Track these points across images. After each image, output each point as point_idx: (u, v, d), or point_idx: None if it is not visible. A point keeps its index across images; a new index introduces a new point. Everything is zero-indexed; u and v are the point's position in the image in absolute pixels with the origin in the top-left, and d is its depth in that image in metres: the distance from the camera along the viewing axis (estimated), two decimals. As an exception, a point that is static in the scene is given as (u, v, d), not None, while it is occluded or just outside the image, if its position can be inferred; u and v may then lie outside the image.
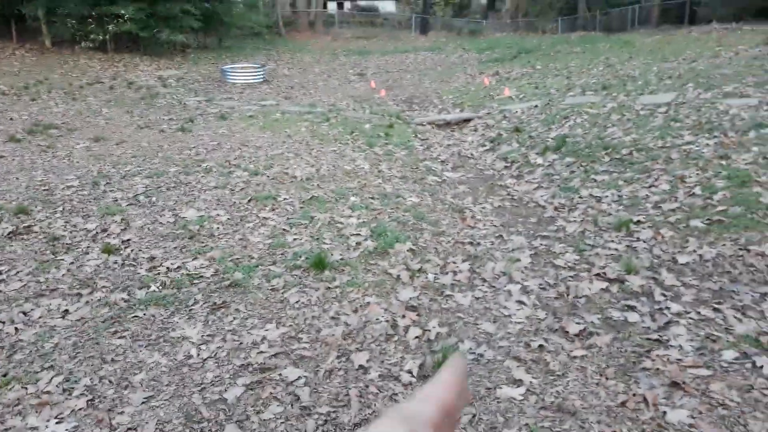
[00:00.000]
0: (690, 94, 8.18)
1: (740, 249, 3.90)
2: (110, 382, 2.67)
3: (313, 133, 7.64)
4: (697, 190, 4.90)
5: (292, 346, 2.94)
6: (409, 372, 2.75)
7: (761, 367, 2.75)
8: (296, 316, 3.19)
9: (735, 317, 3.17)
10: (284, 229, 4.34)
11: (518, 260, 3.91)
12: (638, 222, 4.48)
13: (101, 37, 15.85)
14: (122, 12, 15.30)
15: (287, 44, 22.74)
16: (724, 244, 3.97)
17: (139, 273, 3.76)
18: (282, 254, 3.94)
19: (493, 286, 3.59)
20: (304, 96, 11.89)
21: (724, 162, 5.39)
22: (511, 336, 3.07)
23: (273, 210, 4.72)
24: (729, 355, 2.86)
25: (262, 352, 2.88)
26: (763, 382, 2.66)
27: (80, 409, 2.49)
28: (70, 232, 4.37)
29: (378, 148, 6.94)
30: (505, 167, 6.44)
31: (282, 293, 3.43)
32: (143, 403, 2.53)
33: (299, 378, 2.70)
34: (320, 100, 11.30)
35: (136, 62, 15.91)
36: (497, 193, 5.58)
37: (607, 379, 2.71)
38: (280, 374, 2.72)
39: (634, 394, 2.60)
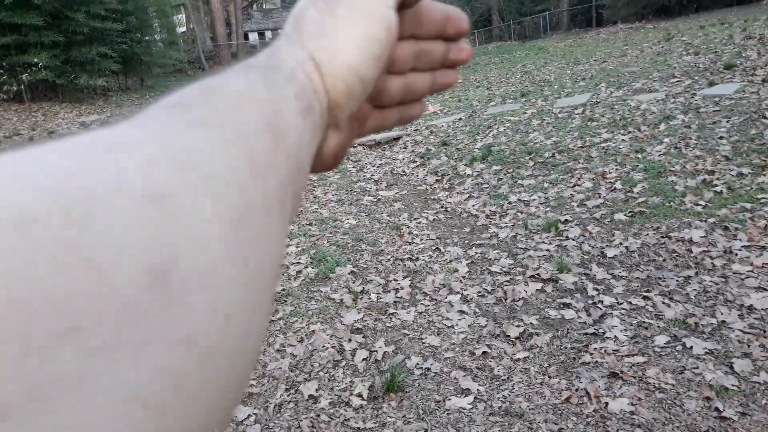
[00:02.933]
0: (603, 93, 8.60)
1: (662, 237, 4.12)
2: None
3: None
4: (618, 185, 5.15)
5: (239, 384, 2.90)
6: (359, 395, 2.77)
7: (691, 347, 2.91)
8: (241, 354, 3.15)
9: (663, 303, 3.35)
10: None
11: (456, 270, 3.99)
12: (566, 221, 4.66)
13: (15, 88, 15.27)
14: (35, 60, 14.80)
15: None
16: (647, 234, 4.19)
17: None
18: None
19: (435, 299, 3.65)
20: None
21: (640, 155, 5.69)
22: (456, 346, 3.13)
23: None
24: (661, 340, 3.01)
25: (208, 394, 2.82)
26: (693, 362, 2.81)
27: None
28: None
29: (311, 174, 6.95)
30: (437, 181, 6.57)
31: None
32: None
33: (249, 416, 2.66)
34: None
35: (56, 110, 15.40)
36: (431, 206, 5.69)
37: (550, 377, 2.80)
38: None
39: (576, 389, 2.69)
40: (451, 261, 4.21)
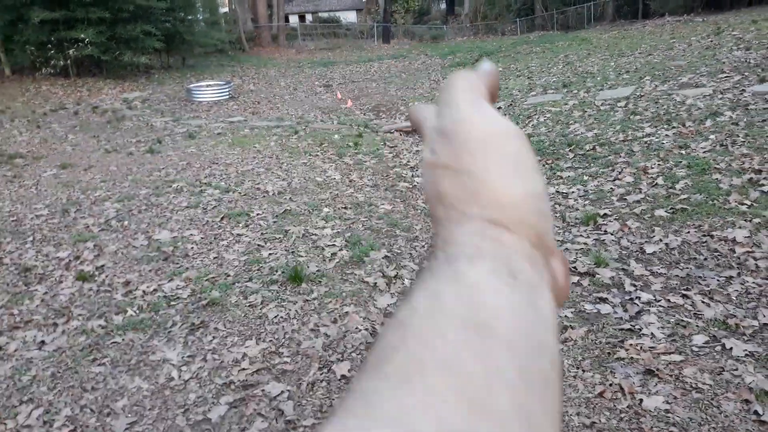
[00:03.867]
0: (647, 86, 8.40)
1: (704, 235, 4.03)
2: (92, 410, 2.65)
3: (282, 146, 7.65)
4: (660, 181, 5.04)
5: (273, 361, 2.95)
6: (391, 378, 2.79)
7: (730, 349, 2.85)
8: (276, 331, 3.21)
9: (703, 302, 3.28)
10: (259, 245, 4.35)
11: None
12: (605, 215, 4.59)
13: (62, 63, 15.61)
14: (82, 36, 15.11)
15: (251, 60, 22.68)
16: (688, 232, 4.10)
17: (115, 298, 3.74)
18: (258, 270, 3.95)
19: (469, 288, 3.64)
20: (272, 110, 11.88)
21: (683, 151, 5.56)
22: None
23: (246, 226, 4.73)
24: (699, 339, 2.95)
25: (243, 369, 2.89)
26: (732, 363, 2.76)
27: (63, 440, 2.48)
28: (42, 262, 4.32)
29: (348, 158, 6.98)
30: (474, 169, 6.52)
31: (260, 309, 3.44)
32: (126, 429, 2.52)
33: (282, 392, 2.71)
34: (288, 113, 11.31)
35: (100, 86, 15.72)
36: (468, 195, 5.66)
37: (583, 371, 2.79)
38: (262, 390, 2.73)
39: (610, 384, 2.67)
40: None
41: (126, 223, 5.05)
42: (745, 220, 4.09)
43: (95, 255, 4.41)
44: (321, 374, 2.84)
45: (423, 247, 4.29)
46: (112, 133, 9.66)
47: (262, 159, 6.97)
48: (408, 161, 7.07)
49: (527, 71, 12.81)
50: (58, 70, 15.73)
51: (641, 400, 2.54)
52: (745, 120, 5.94)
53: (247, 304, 3.51)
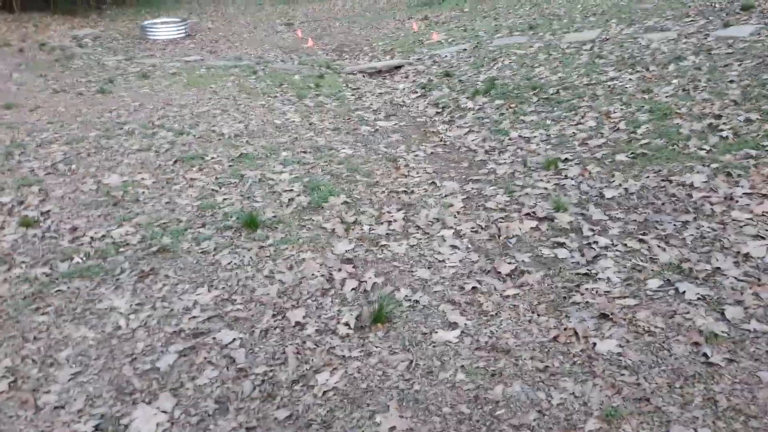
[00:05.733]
0: (613, 30, 8.30)
1: (663, 180, 4.04)
2: (33, 361, 2.55)
3: (240, 87, 7.37)
4: (622, 125, 5.02)
5: (225, 308, 2.88)
6: (346, 324, 2.75)
7: (683, 292, 2.88)
8: (229, 278, 3.12)
9: (659, 246, 3.30)
10: (213, 190, 4.21)
11: (451, 205, 3.92)
12: (566, 160, 4.56)
13: (4, -5, 14.65)
14: (24, -34, 14.15)
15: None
16: (648, 177, 4.10)
17: (61, 245, 3.58)
18: (212, 215, 3.82)
19: (427, 233, 3.60)
20: (230, 49, 11.43)
21: (646, 96, 5.53)
22: (446, 280, 3.10)
23: (200, 170, 4.56)
24: (654, 283, 2.97)
25: (194, 317, 2.80)
26: (684, 307, 2.78)
27: (1, 392, 2.38)
28: (-18, 208, 4.10)
29: (308, 100, 6.77)
30: (437, 113, 6.41)
31: (213, 256, 3.34)
32: (70, 379, 2.44)
33: (234, 340, 2.65)
34: (247, 52, 10.90)
35: (48, 22, 14.86)
36: (430, 139, 5.56)
37: (538, 315, 2.78)
38: (214, 338, 2.66)
39: (565, 329, 2.68)
40: (446, 195, 4.13)
41: (74, 166, 4.83)
42: (703, 165, 4.11)
43: (40, 200, 4.20)
44: (275, 321, 2.78)
45: (383, 192, 4.20)
46: (60, 73, 9.17)
47: (218, 100, 6.71)
48: (371, 104, 6.90)
49: (494, 12, 12.54)
50: (1, 3, 14.78)
51: (594, 344, 2.56)
52: (707, 65, 5.93)
53: (200, 251, 3.40)
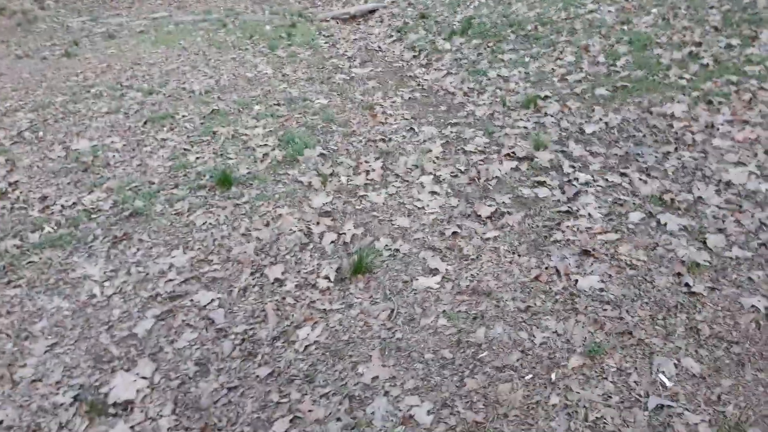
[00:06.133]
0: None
1: (643, 112, 3.97)
2: (7, 335, 2.49)
3: (209, 41, 7.13)
4: (601, 58, 4.90)
5: (202, 269, 2.82)
6: (326, 278, 2.70)
7: (665, 224, 2.85)
8: (204, 239, 3.05)
9: (640, 179, 3.25)
10: (185, 149, 4.09)
11: (430, 151, 3.84)
12: (545, 97, 4.46)
13: (-43, -41, 13.94)
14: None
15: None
16: (628, 109, 4.02)
17: (30, 215, 3.48)
18: (184, 175, 3.72)
19: (406, 180, 3.52)
20: (198, 2, 11.03)
21: (625, 27, 5.39)
22: (426, 227, 3.05)
23: (171, 130, 4.42)
24: (635, 216, 2.94)
25: (170, 280, 2.75)
26: (666, 238, 2.76)
27: (-23, 368, 2.33)
28: (-53, 182, 3.98)
29: (281, 51, 6.56)
30: (414, 57, 6.23)
31: (187, 216, 3.26)
32: (47, 351, 2.39)
33: (212, 301, 2.60)
34: (216, 5, 10.52)
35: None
36: (407, 84, 5.42)
37: (519, 256, 2.75)
38: (191, 300, 2.61)
39: (546, 268, 2.65)
40: (425, 141, 4.04)
41: (41, 134, 4.67)
42: (684, 94, 4.03)
43: (7, 171, 4.07)
44: (253, 279, 2.73)
45: (360, 142, 4.10)
46: (23, 37, 8.83)
47: (187, 56, 6.49)
48: (345, 51, 6.70)
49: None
50: (-44, -32, 14.08)
51: (576, 281, 2.53)
52: (687, -10, 5.76)
53: (174, 212, 3.32)
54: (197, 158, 3.93)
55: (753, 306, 2.31)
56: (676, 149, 3.50)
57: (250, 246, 2.96)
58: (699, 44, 4.72)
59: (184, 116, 4.65)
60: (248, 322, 2.47)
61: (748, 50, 4.42)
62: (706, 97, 3.95)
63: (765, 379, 2.02)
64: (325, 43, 7.07)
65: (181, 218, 3.25)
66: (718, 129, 3.61)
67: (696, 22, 5.10)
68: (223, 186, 3.50)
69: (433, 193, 3.36)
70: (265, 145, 4.06)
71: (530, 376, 2.12)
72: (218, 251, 2.95)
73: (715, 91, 4.00)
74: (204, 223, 3.18)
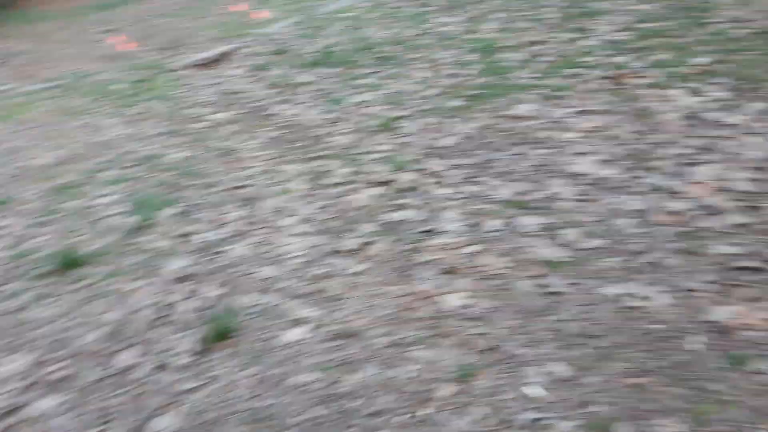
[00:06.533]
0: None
1: (497, 117, 4.04)
2: None
3: (58, 110, 6.69)
4: (454, 70, 4.99)
5: (46, 369, 2.53)
6: (187, 352, 2.50)
7: (524, 226, 2.86)
8: (48, 334, 2.75)
9: (498, 185, 3.28)
10: (27, 234, 3.73)
11: (293, 191, 3.71)
12: (404, 116, 4.47)
13: None
14: None
15: (23, 16, 19.74)
16: (483, 116, 4.09)
17: None
18: (27, 264, 3.38)
19: (270, 226, 3.37)
20: (47, 69, 10.42)
21: (473, 36, 5.54)
22: (293, 273, 2.91)
23: (12, 215, 4.04)
24: (495, 224, 2.94)
25: (10, 390, 2.44)
26: (527, 241, 2.77)
27: None
28: None
29: (135, 108, 6.25)
30: (275, 93, 6.12)
31: (30, 311, 2.94)
32: None
33: (60, 404, 2.32)
34: (66, 69, 9.97)
35: None
36: (268, 123, 5.29)
37: (387, 286, 2.67)
38: (35, 408, 2.32)
39: (414, 293, 2.58)
40: (288, 181, 3.91)
41: None
42: (532, 94, 4.15)
43: None
44: (104, 370, 2.47)
45: (220, 192, 3.91)
46: None
47: (31, 130, 6.04)
48: (204, 98, 6.48)
49: (323, -21, 12.25)
50: None
51: (443, 302, 2.47)
52: (523, -7, 6.03)
53: (15, 309, 2.98)
54: (42, 241, 3.59)
55: (614, 294, 2.33)
56: (530, 149, 3.57)
57: (101, 332, 2.70)
58: (543, 42, 4.92)
59: (25, 197, 4.27)
60: (100, 422, 2.22)
61: (583, 42, 4.65)
62: (553, 93, 4.08)
63: (631, 368, 2.03)
64: (183, 92, 6.81)
65: (23, 314, 2.93)
66: (566, 122, 3.72)
67: (537, 22, 5.32)
68: (69, 269, 3.20)
69: (298, 234, 3.23)
70: (118, 213, 3.79)
71: (408, 415, 2.02)
72: (65, 345, 2.66)
73: (560, 85, 4.15)
74: (49, 315, 2.87)
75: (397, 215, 3.19)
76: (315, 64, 6.41)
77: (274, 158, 4.38)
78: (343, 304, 2.61)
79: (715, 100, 3.40)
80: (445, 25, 6.10)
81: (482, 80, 4.59)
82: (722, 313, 2.08)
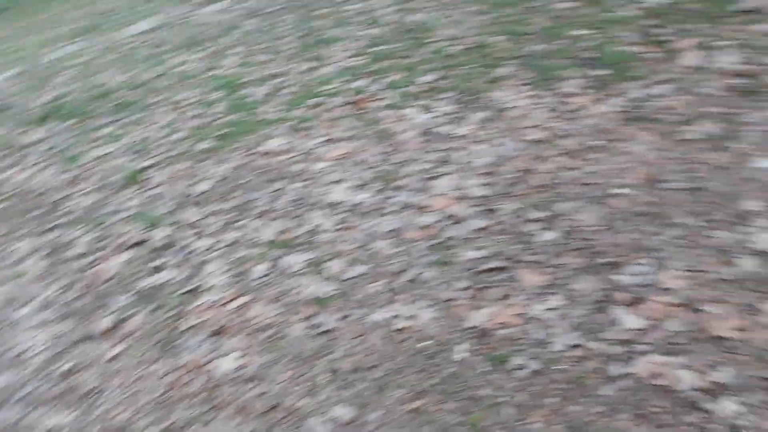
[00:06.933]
0: (169, 13, 8.00)
1: (249, 155, 3.94)
2: None
3: None
4: (198, 110, 4.79)
5: None
6: None
7: (289, 266, 2.80)
8: None
9: (258, 226, 3.17)
10: None
11: (28, 272, 3.22)
12: (151, 166, 4.16)
13: None
14: None
15: None
16: (235, 156, 3.95)
17: None
18: None
19: (2, 322, 2.87)
20: None
21: (215, 72, 5.39)
22: (36, 375, 2.49)
23: None
24: (261, 269, 2.83)
25: None
26: (294, 281, 2.70)
27: None
28: None
29: None
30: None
31: None
32: None
33: None
34: None
35: None
36: (-9, 196, 4.57)
37: (151, 365, 2.41)
38: None
39: (182, 366, 2.36)
40: (21, 260, 3.39)
41: None
42: (280, 127, 4.12)
43: None
44: None
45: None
46: None
47: None
48: None
49: (49, 21, 11.13)
50: None
51: (216, 369, 2.30)
52: (261, 26, 6.05)
53: None
54: None
55: (382, 320, 2.36)
56: (286, 184, 3.52)
57: None
58: (284, 74, 4.94)
59: None
60: None
61: (321, 71, 4.76)
62: (299, 125, 4.10)
63: (408, 393, 2.05)
64: None
65: None
66: (315, 152, 3.75)
67: (276, 54, 5.34)
68: None
69: (38, 326, 2.79)
70: None
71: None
72: None
73: (305, 116, 4.18)
74: None
75: (154, 279, 2.91)
76: (44, 118, 5.73)
77: (2, 235, 3.78)
78: (101, 398, 2.29)
79: (444, 115, 3.69)
80: (184, 63, 5.85)
81: (229, 118, 4.46)
82: (479, 317, 2.22)
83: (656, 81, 3.19)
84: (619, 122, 3.01)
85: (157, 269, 2.99)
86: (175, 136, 4.50)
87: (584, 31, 3.94)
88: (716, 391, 1.72)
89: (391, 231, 2.82)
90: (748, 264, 2.03)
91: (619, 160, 2.74)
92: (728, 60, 3.13)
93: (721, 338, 1.84)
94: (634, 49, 3.55)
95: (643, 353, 1.88)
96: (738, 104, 2.80)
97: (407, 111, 3.87)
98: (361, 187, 3.27)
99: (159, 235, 3.26)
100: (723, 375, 1.74)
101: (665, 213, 2.36)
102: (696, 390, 1.73)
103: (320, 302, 2.51)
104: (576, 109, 3.25)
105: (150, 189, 3.84)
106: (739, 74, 3.00)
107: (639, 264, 2.17)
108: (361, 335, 2.31)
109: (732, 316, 1.88)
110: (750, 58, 3.10)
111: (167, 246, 3.18)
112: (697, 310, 1.94)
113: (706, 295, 1.99)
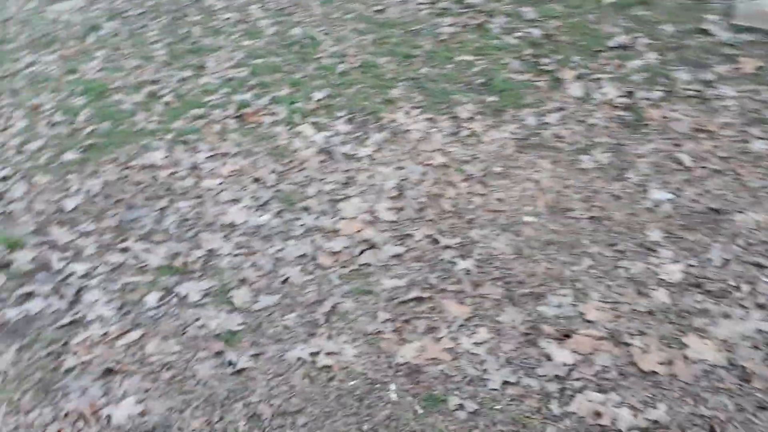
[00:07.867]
0: (12, 7, 7.13)
1: (124, 169, 3.57)
2: None
3: None
4: (58, 117, 4.27)
5: None
6: None
7: (186, 295, 2.54)
8: None
9: (144, 250, 2.86)
10: None
11: None
12: (5, 179, 3.62)
13: None
14: None
15: None
16: (106, 170, 3.56)
17: None
18: None
19: None
20: None
21: (74, 76, 4.86)
22: None
23: None
24: (153, 299, 2.54)
25: None
26: (194, 312, 2.46)
27: None
28: None
29: None
30: None
31: None
32: None
33: None
34: None
35: None
36: None
37: (26, 414, 2.04)
38: None
39: (66, 416, 2.03)
40: None
41: None
42: (158, 140, 3.79)
43: None
44: None
45: None
46: None
47: None
48: None
49: None
50: None
51: (110, 417, 2.00)
52: (126, 29, 5.56)
53: None
54: None
55: (301, 357, 2.20)
56: (171, 202, 3.23)
57: None
58: (156, 82, 4.57)
59: None
60: None
61: (200, 80, 4.47)
62: (180, 138, 3.80)
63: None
64: None
65: None
66: (202, 169, 3.49)
67: (146, 60, 4.94)
68: None
69: None
70: None
71: None
72: None
73: (186, 128, 3.88)
74: None
75: (22, 310, 2.50)
76: None
77: None
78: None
79: (342, 134, 3.61)
80: (36, 64, 5.22)
81: (98, 127, 4.03)
82: (408, 352, 2.12)
83: (547, 109, 3.37)
84: (517, 149, 3.13)
85: (27, 296, 2.58)
86: (32, 146, 3.97)
87: (470, 57, 4.07)
88: (654, 429, 1.79)
89: (300, 256, 2.68)
90: (662, 296, 2.17)
91: (523, 187, 2.84)
92: (611, 93, 3.39)
93: (650, 373, 1.93)
94: (522, 77, 3.73)
95: (579, 390, 1.92)
96: (626, 136, 3.03)
97: (301, 128, 3.74)
98: (261, 207, 3.08)
99: (25, 257, 2.82)
100: (658, 413, 1.82)
101: (576, 242, 2.47)
102: (635, 429, 1.79)
103: (228, 337, 2.30)
104: (473, 134, 3.33)
105: (6, 204, 3.33)
106: (623, 107, 3.26)
107: (560, 295, 2.24)
108: (279, 375, 2.14)
109: (656, 350, 1.99)
110: (629, 92, 3.38)
111: (37, 269, 2.75)
112: (622, 344, 2.03)
113: (628, 327, 2.08)
